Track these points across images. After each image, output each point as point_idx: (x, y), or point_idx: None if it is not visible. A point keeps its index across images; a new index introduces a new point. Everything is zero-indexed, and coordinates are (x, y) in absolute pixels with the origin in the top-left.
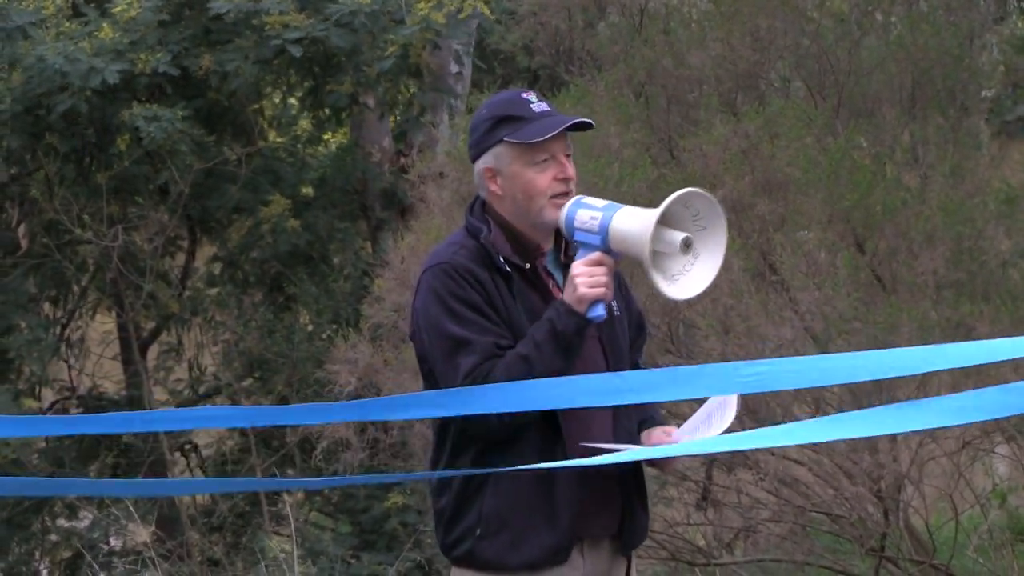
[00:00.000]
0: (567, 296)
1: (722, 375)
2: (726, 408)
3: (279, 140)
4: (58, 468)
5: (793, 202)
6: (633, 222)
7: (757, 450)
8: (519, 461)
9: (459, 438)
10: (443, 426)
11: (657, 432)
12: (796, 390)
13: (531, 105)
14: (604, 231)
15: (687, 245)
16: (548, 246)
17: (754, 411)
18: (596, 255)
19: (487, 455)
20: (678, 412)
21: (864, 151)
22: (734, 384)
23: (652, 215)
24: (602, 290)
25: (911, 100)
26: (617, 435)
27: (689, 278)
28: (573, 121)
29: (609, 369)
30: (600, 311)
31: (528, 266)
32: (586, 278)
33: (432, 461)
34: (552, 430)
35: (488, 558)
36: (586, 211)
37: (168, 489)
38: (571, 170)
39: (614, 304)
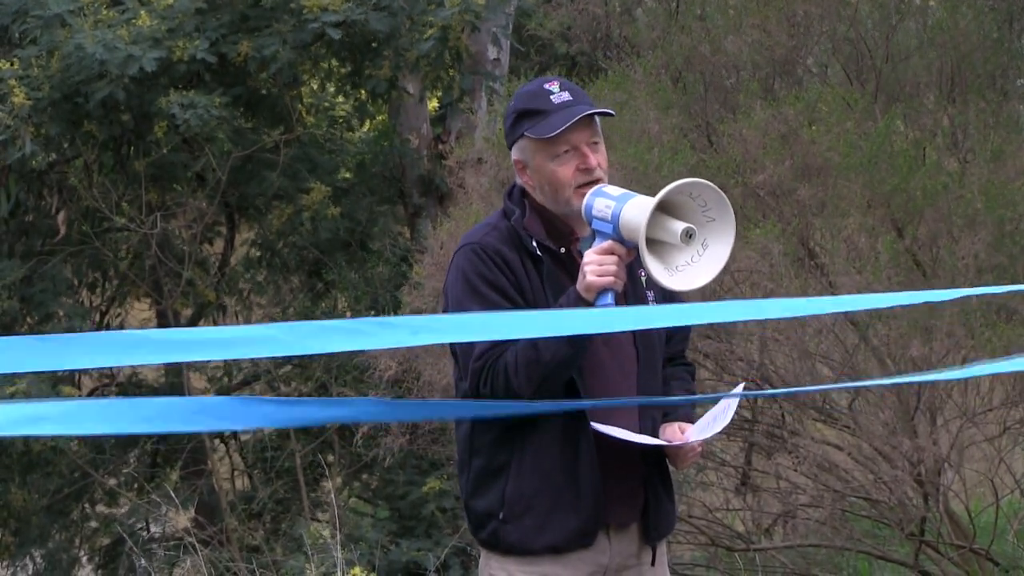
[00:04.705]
0: (578, 284)
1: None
2: (727, 411)
3: (316, 125)
4: (98, 454)
5: (833, 187)
6: (636, 210)
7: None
8: (542, 445)
9: (478, 419)
10: None
11: (672, 427)
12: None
13: (551, 96)
14: (615, 220)
15: (688, 236)
16: (583, 232)
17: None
18: (607, 244)
19: (510, 435)
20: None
21: (904, 136)
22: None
23: (650, 203)
24: (610, 279)
25: (951, 84)
26: (642, 420)
27: (694, 270)
28: (584, 113)
29: (639, 359)
30: (608, 300)
31: (563, 250)
32: (595, 266)
33: (456, 441)
34: (576, 412)
35: (512, 542)
36: (602, 200)
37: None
38: (594, 159)
39: (649, 294)
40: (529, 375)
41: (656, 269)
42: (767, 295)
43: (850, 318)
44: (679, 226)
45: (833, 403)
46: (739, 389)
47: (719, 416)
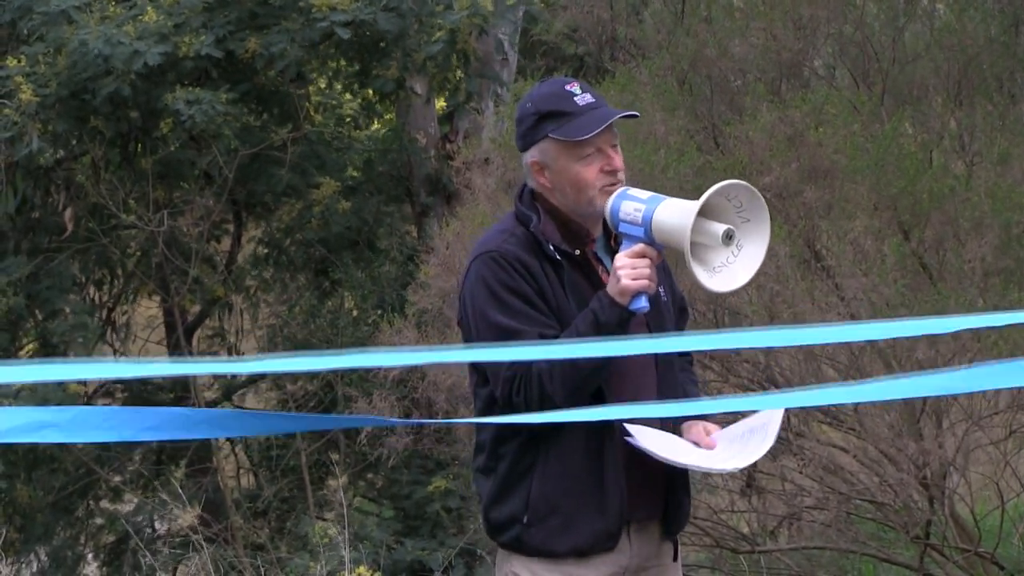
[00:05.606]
0: (610, 288)
1: None
2: (768, 427)
3: (324, 124)
4: (104, 451)
5: (840, 189)
6: (674, 214)
7: (805, 432)
8: (567, 448)
9: (504, 425)
10: (486, 411)
11: (698, 427)
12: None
13: (575, 98)
14: (647, 223)
15: (728, 237)
16: (598, 232)
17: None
18: (639, 247)
19: (535, 440)
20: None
21: (911, 138)
22: None
23: (692, 207)
24: (645, 282)
25: (958, 87)
26: (663, 420)
27: (732, 270)
28: (617, 116)
29: (656, 355)
30: (643, 303)
31: (578, 252)
32: (629, 270)
33: (477, 446)
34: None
35: (536, 544)
36: (630, 203)
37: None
38: (618, 161)
39: (660, 289)
40: (565, 381)
41: (698, 271)
42: (773, 297)
43: (857, 319)
44: (719, 228)
45: (839, 405)
46: (780, 413)
47: (756, 431)
